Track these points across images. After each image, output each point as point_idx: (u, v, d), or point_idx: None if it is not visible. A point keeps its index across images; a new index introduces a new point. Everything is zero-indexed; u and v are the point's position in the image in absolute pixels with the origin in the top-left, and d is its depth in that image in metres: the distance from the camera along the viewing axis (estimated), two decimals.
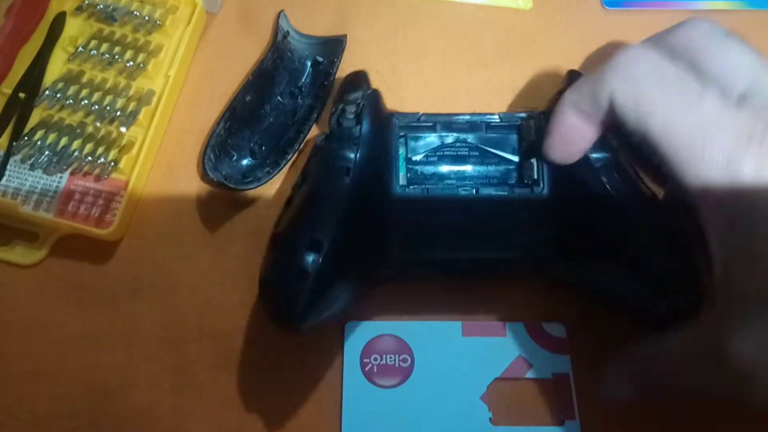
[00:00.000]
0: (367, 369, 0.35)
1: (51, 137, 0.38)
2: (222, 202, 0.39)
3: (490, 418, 0.34)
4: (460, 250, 0.34)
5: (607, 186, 0.31)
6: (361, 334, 0.36)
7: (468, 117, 0.35)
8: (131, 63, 0.39)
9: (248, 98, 0.40)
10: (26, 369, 0.36)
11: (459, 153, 0.35)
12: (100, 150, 0.38)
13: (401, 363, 0.35)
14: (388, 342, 0.35)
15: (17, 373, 0.36)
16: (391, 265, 0.33)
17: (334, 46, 0.41)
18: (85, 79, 0.39)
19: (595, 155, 0.31)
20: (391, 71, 0.42)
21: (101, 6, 0.40)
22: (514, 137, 0.35)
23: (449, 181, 0.34)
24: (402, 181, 0.34)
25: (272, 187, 0.39)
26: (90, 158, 0.37)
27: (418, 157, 0.35)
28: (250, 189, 0.37)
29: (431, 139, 0.35)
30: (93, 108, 0.38)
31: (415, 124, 0.35)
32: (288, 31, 0.42)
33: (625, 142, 0.31)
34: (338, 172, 0.32)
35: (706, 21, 0.28)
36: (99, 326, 0.37)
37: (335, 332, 0.36)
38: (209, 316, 0.37)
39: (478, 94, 0.42)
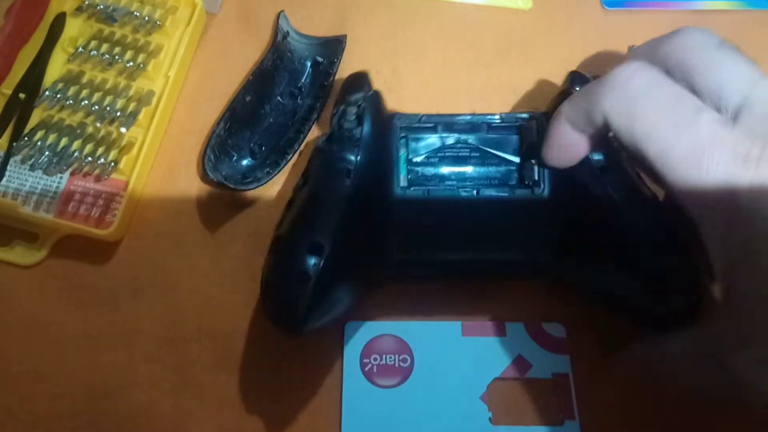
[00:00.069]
0: (366, 369, 0.35)
1: (51, 138, 0.38)
2: (222, 202, 0.39)
3: (489, 418, 0.34)
4: (461, 251, 0.34)
5: (608, 187, 0.31)
6: (360, 334, 0.36)
7: (469, 117, 0.35)
8: (131, 63, 0.39)
9: (248, 98, 0.40)
10: (26, 369, 0.36)
11: (460, 154, 0.35)
12: (100, 150, 0.38)
13: (401, 363, 0.35)
14: (387, 342, 0.36)
15: (17, 373, 0.36)
16: (392, 266, 0.33)
17: (333, 47, 0.41)
18: (85, 80, 0.39)
19: (595, 157, 0.31)
20: (391, 71, 0.42)
21: (101, 6, 0.40)
22: (514, 138, 0.35)
23: (450, 182, 0.35)
24: (403, 182, 0.34)
25: (272, 187, 0.39)
26: (90, 159, 0.38)
27: (419, 159, 0.35)
28: (250, 189, 0.37)
29: (432, 140, 0.35)
30: (93, 108, 0.38)
31: (416, 125, 0.35)
32: (288, 32, 0.42)
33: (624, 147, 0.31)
34: (339, 174, 0.32)
35: (698, 30, 0.28)
36: (99, 326, 0.37)
37: (335, 332, 0.36)
38: (209, 316, 0.37)
39: (478, 94, 0.42)
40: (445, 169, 0.35)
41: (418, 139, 0.35)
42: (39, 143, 0.38)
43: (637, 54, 0.29)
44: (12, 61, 0.39)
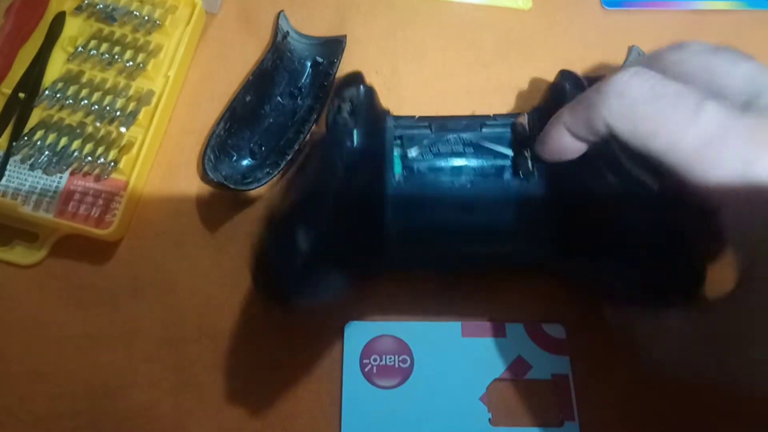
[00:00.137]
0: (366, 369, 0.35)
1: (51, 137, 0.38)
2: (222, 202, 0.39)
3: (489, 419, 0.34)
4: (456, 242, 0.33)
5: (602, 175, 0.31)
6: (360, 335, 0.36)
7: (462, 118, 0.35)
8: (131, 63, 0.39)
9: (248, 99, 0.40)
10: (26, 369, 0.36)
11: (454, 149, 0.35)
12: (99, 150, 0.38)
13: (401, 363, 0.35)
14: (387, 342, 0.36)
15: (17, 373, 0.36)
16: (387, 255, 0.33)
17: (333, 47, 0.41)
18: (84, 79, 0.39)
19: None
20: (390, 71, 0.42)
21: (101, 6, 0.40)
22: (508, 134, 0.35)
23: (444, 175, 0.35)
24: (397, 174, 0.34)
25: (272, 187, 0.39)
26: (90, 158, 0.38)
27: (412, 152, 0.35)
28: (250, 189, 0.37)
29: (426, 135, 0.35)
30: (93, 108, 0.38)
31: (410, 123, 0.35)
32: (288, 32, 0.42)
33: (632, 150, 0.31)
34: (333, 163, 0.32)
35: (693, 41, 0.28)
36: (99, 326, 0.37)
37: (335, 332, 0.36)
38: (209, 316, 0.37)
39: (477, 94, 0.42)
40: (439, 162, 0.35)
41: (412, 135, 0.35)
42: (39, 143, 0.38)
43: (633, 65, 0.29)
44: (12, 60, 0.39)
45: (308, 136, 0.39)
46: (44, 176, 0.37)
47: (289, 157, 0.38)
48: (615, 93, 0.27)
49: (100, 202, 0.37)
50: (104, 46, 0.40)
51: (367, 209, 0.33)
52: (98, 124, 0.38)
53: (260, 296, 0.31)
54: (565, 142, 0.30)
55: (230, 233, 0.38)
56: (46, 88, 0.39)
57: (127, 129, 0.39)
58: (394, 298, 0.37)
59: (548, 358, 0.35)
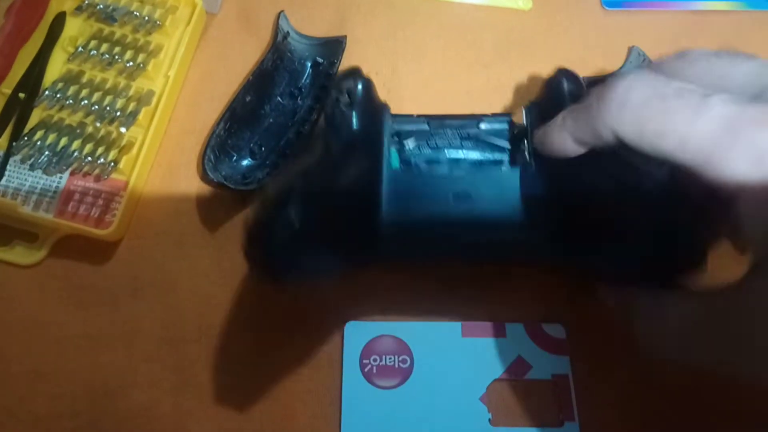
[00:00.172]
0: (366, 370, 0.35)
1: (51, 137, 0.38)
2: (222, 202, 0.39)
3: (489, 419, 0.34)
4: (451, 231, 0.33)
5: (600, 164, 0.31)
6: (360, 335, 0.36)
7: (461, 115, 0.35)
8: (131, 63, 0.39)
9: (248, 99, 0.40)
10: (26, 369, 0.36)
11: (452, 142, 0.35)
12: (99, 150, 0.38)
13: (401, 364, 0.35)
14: (387, 343, 0.36)
15: (17, 373, 0.36)
16: (381, 243, 0.33)
17: (333, 47, 0.41)
18: (84, 80, 0.39)
19: None
20: (391, 71, 0.42)
21: (101, 6, 0.40)
22: (505, 129, 0.35)
23: (441, 166, 0.34)
24: (393, 161, 0.34)
25: None
26: (90, 158, 0.38)
27: (409, 143, 0.35)
28: (250, 189, 0.37)
29: (423, 129, 0.35)
30: (93, 108, 0.38)
31: (407, 119, 0.35)
32: (288, 32, 0.42)
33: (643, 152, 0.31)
34: (329, 148, 0.32)
35: (694, 49, 0.28)
36: (99, 326, 0.37)
37: (335, 333, 0.36)
38: (209, 316, 0.37)
39: (478, 94, 0.42)
40: (437, 154, 0.35)
41: (409, 130, 0.35)
42: (39, 143, 0.38)
43: (632, 69, 0.28)
44: (12, 60, 0.39)
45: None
46: (44, 176, 0.37)
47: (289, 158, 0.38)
48: (618, 100, 0.26)
49: (100, 202, 0.37)
50: (104, 47, 0.40)
51: (362, 195, 0.32)
52: (98, 125, 0.38)
53: (251, 270, 0.30)
54: (568, 146, 0.29)
55: (230, 233, 0.38)
56: (46, 89, 0.39)
57: (127, 129, 0.39)
58: (394, 298, 0.37)
59: (548, 358, 0.35)
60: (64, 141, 0.38)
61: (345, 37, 0.42)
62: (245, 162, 0.39)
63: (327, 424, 0.34)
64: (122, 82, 0.39)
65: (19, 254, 0.38)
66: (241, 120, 0.39)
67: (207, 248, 0.38)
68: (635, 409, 0.34)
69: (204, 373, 0.36)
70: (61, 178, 0.38)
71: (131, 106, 0.39)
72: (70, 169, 0.38)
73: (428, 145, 0.35)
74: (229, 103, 0.39)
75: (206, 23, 0.43)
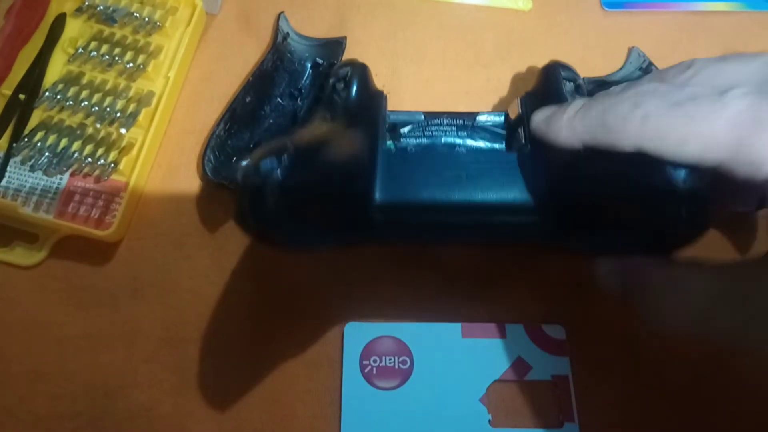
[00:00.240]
0: (366, 371, 0.35)
1: (51, 138, 0.38)
2: (222, 203, 0.39)
3: (489, 420, 0.34)
4: (445, 212, 0.32)
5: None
6: (360, 336, 0.36)
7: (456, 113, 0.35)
8: (131, 64, 0.39)
9: (248, 99, 0.40)
10: (26, 369, 0.36)
11: (447, 131, 0.35)
12: (100, 151, 0.38)
13: (400, 365, 0.35)
14: (387, 344, 0.36)
15: (17, 373, 0.36)
16: (373, 216, 0.32)
17: (333, 48, 0.42)
18: (85, 81, 0.39)
19: None
20: (390, 72, 0.42)
21: (101, 7, 0.41)
22: (501, 120, 0.35)
23: (436, 148, 0.34)
24: (388, 142, 0.34)
25: None
26: (90, 159, 0.38)
27: (405, 129, 0.35)
28: None
29: (419, 118, 0.35)
30: (93, 109, 0.38)
31: (403, 112, 0.36)
32: (288, 33, 0.42)
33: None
34: (324, 118, 0.33)
35: (698, 58, 0.28)
36: (99, 326, 0.37)
37: (335, 333, 0.36)
38: (209, 316, 0.37)
39: (477, 94, 0.42)
40: (432, 140, 0.35)
41: (405, 120, 0.35)
42: (39, 144, 0.38)
43: (635, 80, 0.28)
44: (12, 61, 0.39)
45: None
46: (44, 177, 0.37)
47: None
48: (634, 117, 0.26)
49: (100, 203, 0.37)
50: (105, 48, 0.40)
51: (355, 168, 0.32)
52: (98, 126, 0.38)
53: (240, 226, 0.29)
54: (573, 142, 0.29)
55: (230, 233, 0.38)
56: (46, 90, 0.39)
57: (128, 130, 0.39)
58: (394, 299, 0.37)
59: (548, 359, 0.35)
60: (64, 142, 0.38)
61: (345, 37, 0.42)
62: (245, 163, 0.39)
63: (327, 424, 0.34)
64: (122, 83, 0.40)
65: (20, 255, 0.38)
66: (241, 121, 0.39)
67: (207, 248, 0.38)
68: (635, 410, 0.34)
69: (204, 374, 0.36)
70: (61, 179, 0.38)
71: (131, 107, 0.39)
72: (70, 170, 0.38)
73: (424, 134, 0.35)
74: (229, 103, 0.40)
75: (206, 24, 0.43)
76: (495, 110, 0.37)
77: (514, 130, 0.34)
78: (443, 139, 0.35)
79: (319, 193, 0.30)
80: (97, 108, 0.39)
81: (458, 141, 0.35)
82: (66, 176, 0.38)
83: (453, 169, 0.33)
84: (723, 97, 0.24)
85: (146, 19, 0.40)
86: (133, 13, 0.40)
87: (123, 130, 0.38)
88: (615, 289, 0.29)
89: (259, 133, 0.39)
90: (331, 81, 0.35)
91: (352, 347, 0.36)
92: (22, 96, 0.39)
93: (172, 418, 0.35)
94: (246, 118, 0.39)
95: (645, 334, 0.35)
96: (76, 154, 0.38)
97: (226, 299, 0.37)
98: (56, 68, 0.40)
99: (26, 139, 0.38)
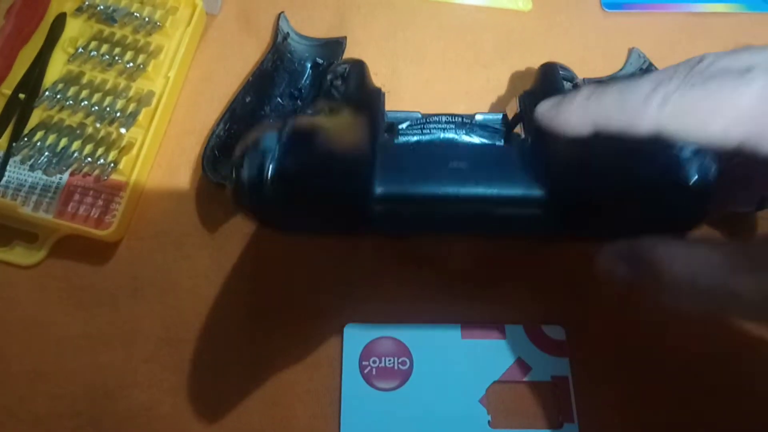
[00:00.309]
0: (366, 372, 0.35)
1: (51, 138, 0.38)
2: (222, 202, 0.39)
3: (488, 421, 0.34)
4: (443, 200, 0.32)
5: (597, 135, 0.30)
6: (360, 337, 0.36)
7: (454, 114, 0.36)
8: (131, 64, 0.39)
9: (248, 99, 0.40)
10: (26, 369, 0.36)
11: (446, 128, 0.35)
12: (99, 151, 0.38)
13: (400, 366, 0.35)
14: (387, 345, 0.36)
15: (17, 373, 0.36)
16: (371, 206, 0.31)
17: (333, 48, 0.42)
18: (85, 80, 0.39)
19: None
20: (390, 72, 0.42)
21: (101, 7, 0.41)
22: (499, 118, 0.35)
23: (435, 142, 0.34)
24: (386, 136, 0.34)
25: None
26: (90, 159, 0.38)
27: (403, 125, 0.35)
28: None
29: (416, 116, 0.35)
30: (93, 109, 0.38)
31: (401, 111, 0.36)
32: (288, 33, 0.42)
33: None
34: (323, 109, 0.33)
35: (705, 53, 0.28)
36: (99, 326, 0.37)
37: (335, 334, 0.36)
38: (209, 316, 0.37)
39: (477, 94, 0.42)
40: (430, 136, 0.35)
41: (403, 118, 0.35)
42: (39, 143, 0.38)
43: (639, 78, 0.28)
44: (12, 61, 0.39)
45: None
46: (44, 177, 0.37)
47: None
48: (655, 97, 0.25)
49: (100, 202, 0.37)
50: (105, 47, 0.40)
51: (353, 158, 0.32)
52: (98, 125, 0.38)
53: (236, 204, 0.29)
54: (584, 127, 0.28)
55: (230, 233, 0.38)
56: (46, 89, 0.39)
57: (127, 130, 0.39)
58: (394, 300, 0.37)
59: (548, 360, 0.35)
60: (64, 141, 0.38)
61: (345, 38, 0.42)
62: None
63: (326, 424, 0.34)
64: (122, 82, 0.40)
65: (19, 255, 0.38)
66: (241, 121, 0.39)
67: (207, 248, 0.38)
68: (635, 411, 0.34)
69: (204, 374, 0.36)
70: (61, 178, 0.38)
71: (131, 107, 0.39)
72: (70, 170, 0.38)
73: (422, 131, 0.35)
74: (229, 103, 0.40)
75: (206, 24, 0.43)
76: (494, 111, 0.37)
77: (513, 126, 0.34)
78: (441, 135, 0.35)
79: (317, 174, 0.29)
80: (96, 108, 0.39)
81: (456, 137, 0.35)
82: (66, 176, 0.38)
83: (452, 161, 0.32)
84: (746, 74, 0.24)
85: (146, 19, 0.40)
86: (133, 13, 0.40)
87: (123, 130, 0.38)
88: (621, 276, 0.28)
89: None
90: (329, 77, 0.35)
91: (352, 348, 0.36)
92: (22, 95, 0.39)
93: (172, 418, 0.35)
94: (246, 118, 0.39)
95: (652, 322, 0.35)
96: (75, 154, 0.38)
97: (226, 299, 0.37)
98: (56, 68, 0.40)
99: (26, 139, 0.38)
